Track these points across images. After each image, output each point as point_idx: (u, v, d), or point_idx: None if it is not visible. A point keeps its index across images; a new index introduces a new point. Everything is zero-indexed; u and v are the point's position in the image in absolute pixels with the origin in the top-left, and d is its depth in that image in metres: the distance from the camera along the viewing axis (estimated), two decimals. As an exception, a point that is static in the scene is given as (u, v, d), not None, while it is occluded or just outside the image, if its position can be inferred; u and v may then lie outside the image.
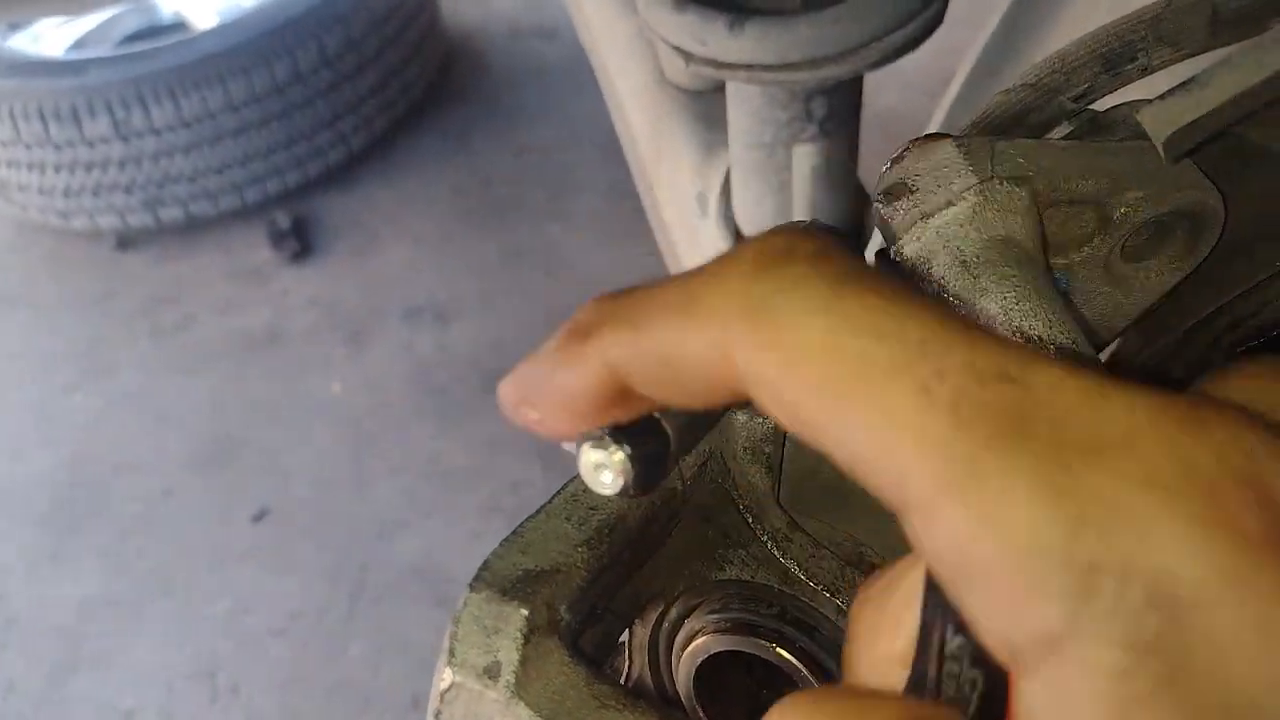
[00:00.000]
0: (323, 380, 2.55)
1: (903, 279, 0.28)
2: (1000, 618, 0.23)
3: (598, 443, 0.33)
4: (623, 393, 0.31)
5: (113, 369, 2.64)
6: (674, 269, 1.45)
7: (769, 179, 1.11)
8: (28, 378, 2.65)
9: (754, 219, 1.17)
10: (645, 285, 0.31)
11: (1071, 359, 0.24)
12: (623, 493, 0.34)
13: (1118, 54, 0.50)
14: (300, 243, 2.88)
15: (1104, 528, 0.22)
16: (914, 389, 0.24)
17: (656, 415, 0.35)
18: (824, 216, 1.13)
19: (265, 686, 1.99)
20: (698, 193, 1.27)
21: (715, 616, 0.47)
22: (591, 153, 3.06)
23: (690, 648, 0.48)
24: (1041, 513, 0.22)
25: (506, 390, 0.33)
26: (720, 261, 0.29)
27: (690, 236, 1.32)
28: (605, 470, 0.33)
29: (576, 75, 3.28)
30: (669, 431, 0.35)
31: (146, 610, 2.14)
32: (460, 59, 3.49)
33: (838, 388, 0.25)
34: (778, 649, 0.46)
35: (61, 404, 2.57)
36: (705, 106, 1.29)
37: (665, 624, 0.50)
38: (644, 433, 0.34)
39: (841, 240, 0.29)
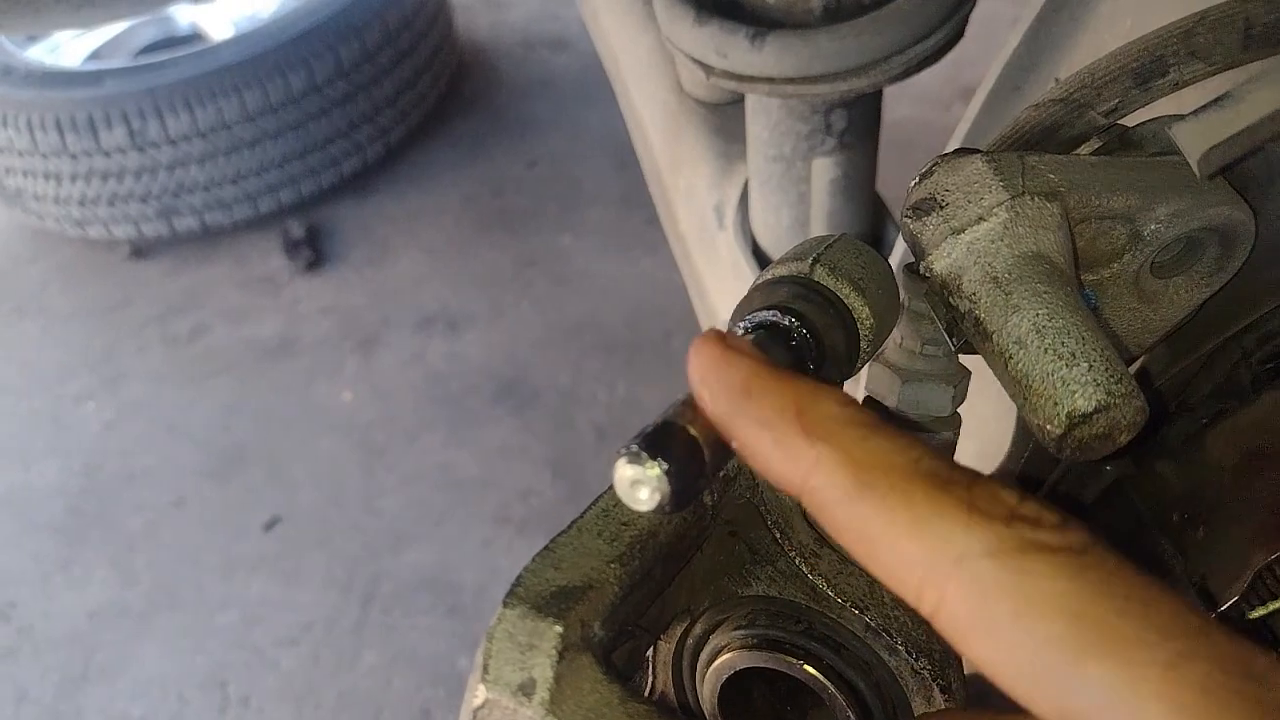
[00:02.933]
0: (334, 389, 2.55)
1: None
2: None
3: (634, 458, 0.33)
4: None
5: (125, 378, 2.65)
6: (689, 279, 1.45)
7: (787, 191, 1.11)
8: (40, 386, 2.66)
9: (772, 231, 1.16)
10: (871, 420, 0.31)
11: None
12: (658, 509, 0.33)
13: (1149, 69, 0.50)
14: (314, 252, 2.89)
15: None
16: (1162, 663, 0.26)
17: (691, 431, 0.34)
18: (842, 229, 1.13)
19: (276, 697, 1.99)
20: (715, 204, 1.27)
21: (741, 632, 0.47)
22: (603, 163, 3.07)
23: (715, 664, 0.48)
24: None
25: (716, 369, 0.33)
26: (974, 493, 0.29)
27: (707, 248, 1.31)
28: (641, 486, 0.33)
29: (588, 86, 3.29)
30: (704, 448, 0.34)
31: (157, 620, 2.14)
32: (473, 70, 3.50)
33: (1079, 645, 0.27)
34: (805, 666, 0.45)
35: (74, 413, 2.58)
36: (723, 119, 1.29)
37: (690, 639, 0.50)
38: (680, 448, 0.34)
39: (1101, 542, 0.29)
